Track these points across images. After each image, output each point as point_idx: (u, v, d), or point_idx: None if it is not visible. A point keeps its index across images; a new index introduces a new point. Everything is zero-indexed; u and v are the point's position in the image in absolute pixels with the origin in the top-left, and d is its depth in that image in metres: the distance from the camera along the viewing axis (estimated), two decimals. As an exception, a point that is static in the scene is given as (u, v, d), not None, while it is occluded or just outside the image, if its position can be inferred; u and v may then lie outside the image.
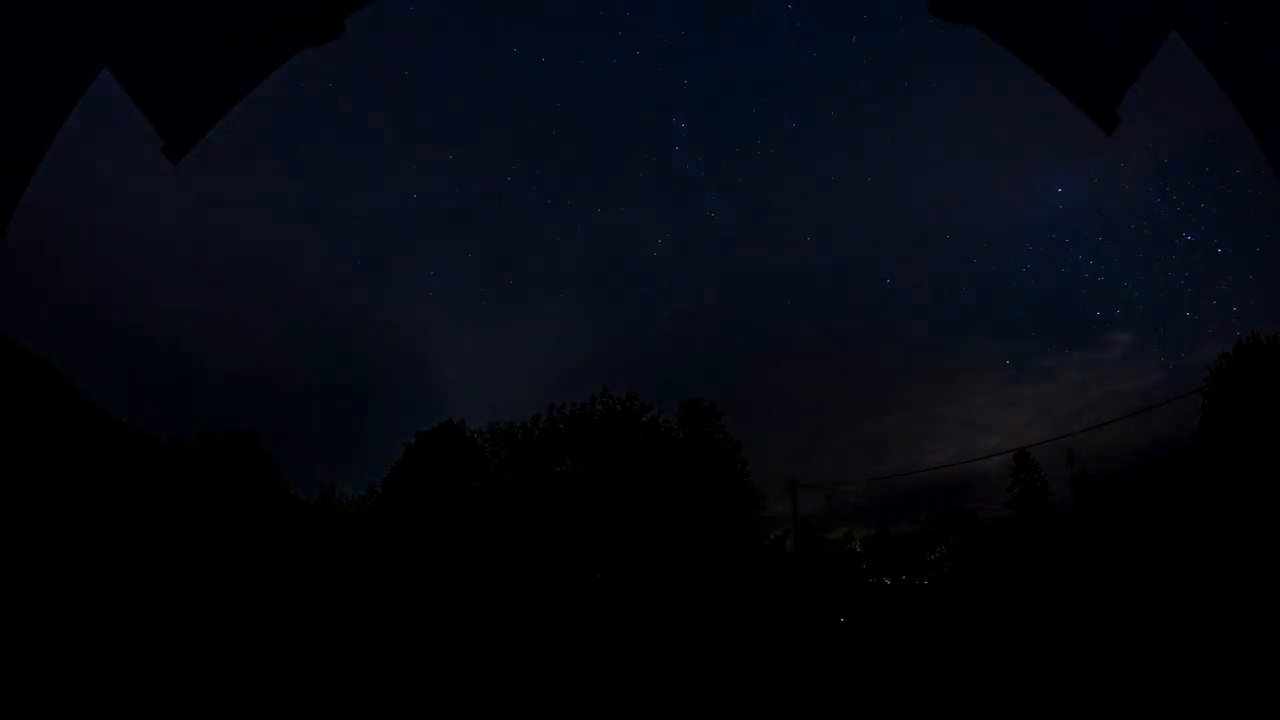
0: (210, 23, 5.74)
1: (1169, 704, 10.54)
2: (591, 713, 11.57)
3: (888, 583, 56.56)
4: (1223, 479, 15.65)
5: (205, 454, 37.15)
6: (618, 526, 35.55)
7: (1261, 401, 27.92)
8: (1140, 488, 19.49)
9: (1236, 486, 14.92)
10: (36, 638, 6.58)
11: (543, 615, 23.36)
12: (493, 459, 39.68)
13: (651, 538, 34.80)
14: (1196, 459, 20.07)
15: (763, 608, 32.46)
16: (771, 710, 11.79)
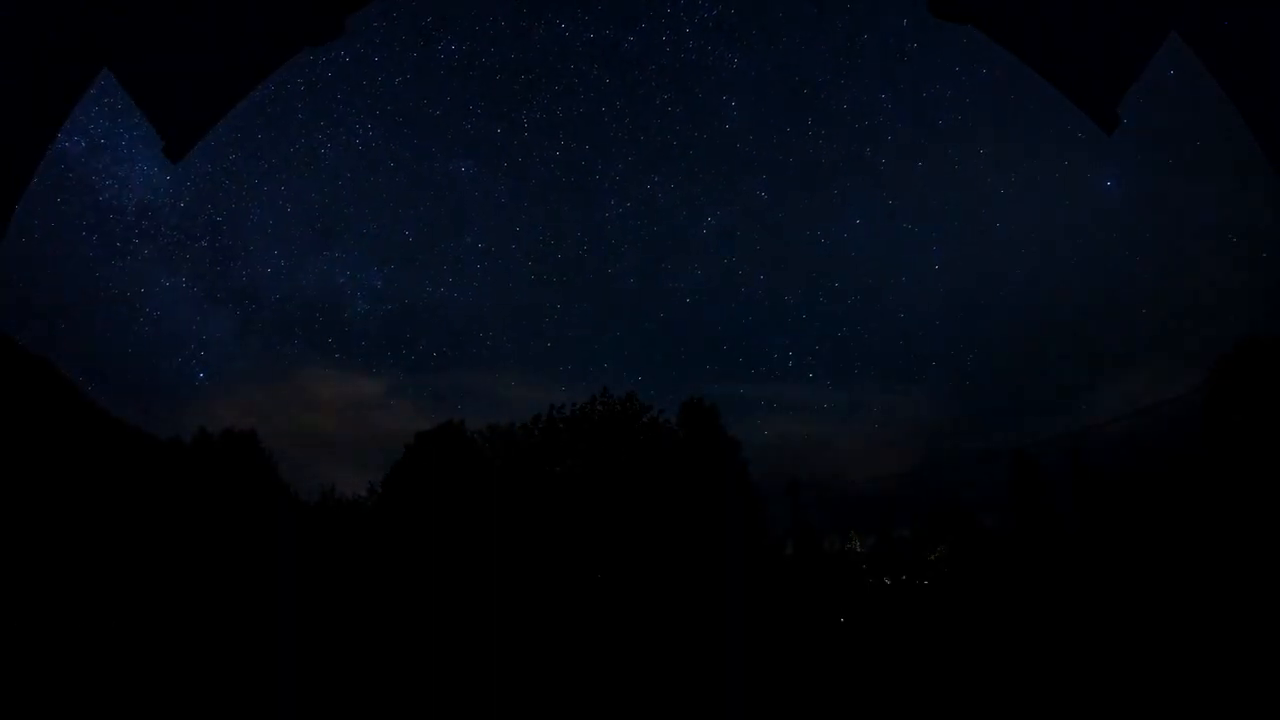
0: (210, 23, 5.74)
1: (1169, 703, 10.53)
2: (592, 712, 11.56)
3: (888, 583, 56.57)
4: (1223, 479, 15.64)
5: (205, 453, 37.13)
6: (617, 527, 35.54)
7: (1262, 401, 27.90)
8: (1140, 488, 19.49)
9: (1237, 487, 14.92)
10: (39, 633, 6.58)
11: (543, 615, 23.33)
12: (492, 459, 39.70)
13: (651, 538, 34.78)
14: (1196, 459, 20.06)
15: (762, 608, 32.41)
16: (772, 708, 11.78)
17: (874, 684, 14.44)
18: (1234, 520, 14.74)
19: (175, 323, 70.62)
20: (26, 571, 6.61)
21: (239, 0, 5.81)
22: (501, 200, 78.82)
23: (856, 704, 12.44)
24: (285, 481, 38.95)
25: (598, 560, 34.91)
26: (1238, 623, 12.76)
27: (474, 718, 11.14)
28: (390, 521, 33.55)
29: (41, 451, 7.10)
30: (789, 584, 38.65)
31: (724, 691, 13.33)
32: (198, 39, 5.75)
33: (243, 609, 10.52)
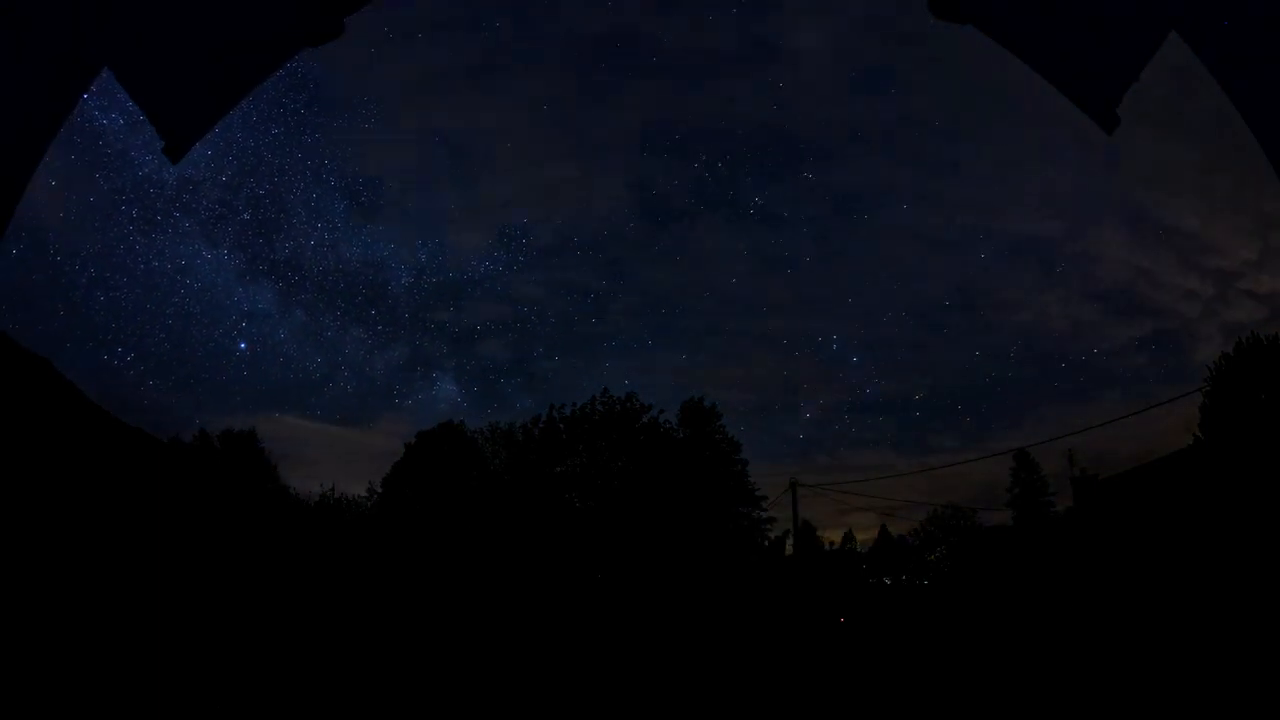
0: (210, 23, 5.74)
1: (1168, 704, 10.54)
2: (591, 712, 11.57)
3: (888, 583, 56.66)
4: (1222, 479, 15.64)
5: (205, 453, 37.18)
6: (617, 527, 35.56)
7: (1261, 401, 27.89)
8: (1139, 488, 19.50)
9: (1236, 487, 14.92)
10: (37, 638, 6.58)
11: (543, 615, 23.35)
12: (493, 459, 39.75)
13: (651, 538, 34.80)
14: (1196, 459, 20.05)
15: (762, 608, 32.43)
16: (771, 709, 11.79)
17: (874, 682, 14.47)
18: (1233, 519, 14.74)
19: (216, 294, 69.96)
20: (24, 575, 6.62)
21: (239, 0, 5.81)
22: (547, 176, 77.98)
23: (856, 702, 12.45)
24: (285, 481, 39.07)
25: (598, 560, 34.92)
26: (1238, 623, 12.77)
27: (474, 717, 11.15)
28: (390, 520, 33.56)
29: (39, 453, 7.11)
30: (788, 583, 38.66)
31: (723, 689, 13.34)
32: (198, 39, 5.75)
33: (244, 609, 10.54)
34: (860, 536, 68.16)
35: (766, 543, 44.31)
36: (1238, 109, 5.18)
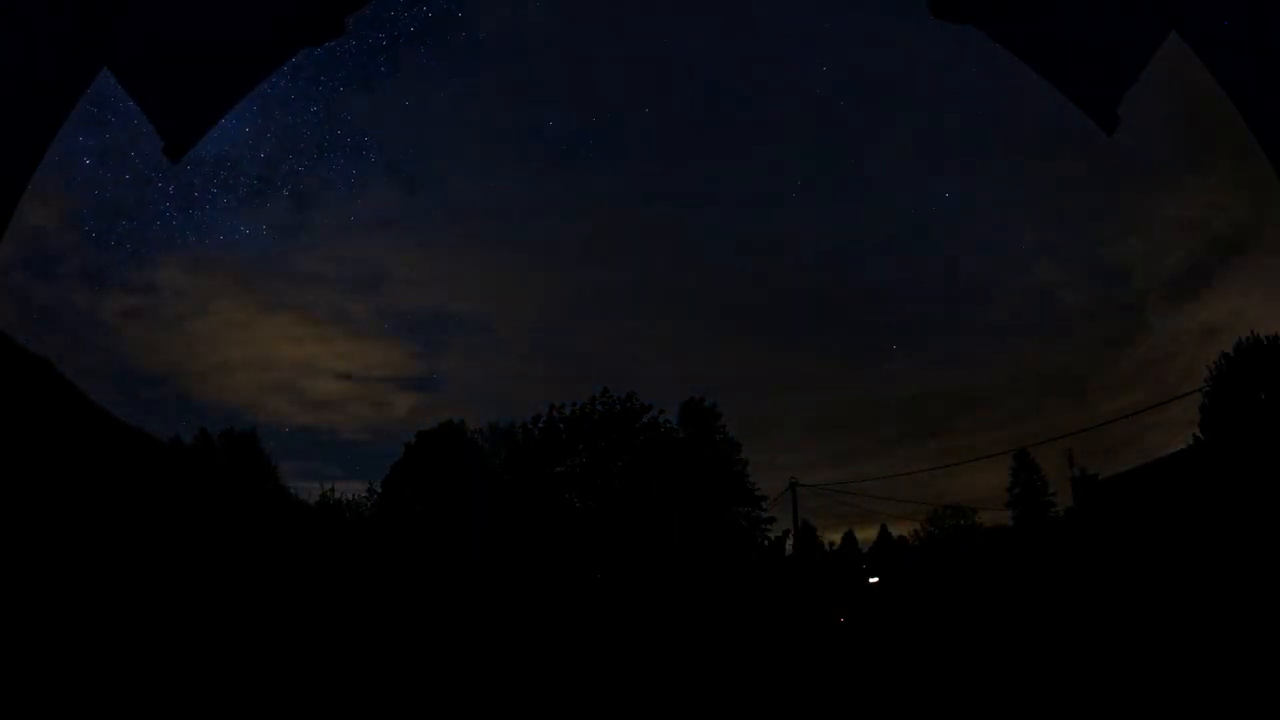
0: (210, 23, 5.74)
1: (1167, 705, 10.54)
2: (591, 713, 11.58)
3: (887, 583, 56.70)
4: (1222, 479, 15.66)
5: (205, 453, 37.16)
6: (617, 527, 35.57)
7: (1261, 401, 27.93)
8: (1139, 488, 19.51)
9: (1236, 487, 14.93)
10: (36, 639, 6.58)
11: (542, 615, 23.35)
12: (493, 458, 39.77)
13: (651, 538, 34.81)
14: (1196, 459, 20.08)
15: (762, 607, 32.43)
16: (770, 709, 11.79)
17: (872, 680, 14.46)
18: (1234, 520, 14.76)
19: (253, 272, 68.97)
20: (24, 577, 6.62)
21: (239, 0, 5.82)
22: (590, 156, 77.04)
23: (857, 704, 12.46)
24: (284, 481, 39.04)
25: (597, 560, 34.95)
26: (1238, 623, 12.77)
27: (473, 717, 11.16)
28: (391, 520, 33.57)
29: (40, 453, 7.12)
30: (787, 583, 38.63)
31: (723, 690, 13.34)
32: (198, 39, 5.75)
33: (244, 610, 10.54)
34: (861, 536, 68.22)
35: (766, 543, 44.27)
36: (1237, 109, 5.18)
